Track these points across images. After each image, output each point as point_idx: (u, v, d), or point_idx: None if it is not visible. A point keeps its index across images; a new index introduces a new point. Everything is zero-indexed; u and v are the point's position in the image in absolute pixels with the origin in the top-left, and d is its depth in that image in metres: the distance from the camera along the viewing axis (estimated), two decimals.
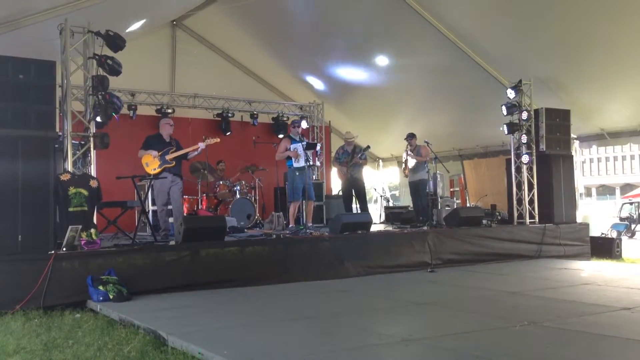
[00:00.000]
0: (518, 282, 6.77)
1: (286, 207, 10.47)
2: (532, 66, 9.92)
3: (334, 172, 13.85)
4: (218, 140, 8.92)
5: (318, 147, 9.20)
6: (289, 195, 8.91)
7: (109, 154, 7.91)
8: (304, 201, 8.91)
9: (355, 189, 10.34)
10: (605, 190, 50.14)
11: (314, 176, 12.29)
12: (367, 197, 11.18)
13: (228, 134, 12.36)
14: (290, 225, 8.95)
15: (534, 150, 9.83)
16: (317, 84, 13.36)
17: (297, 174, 8.65)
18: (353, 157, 10.15)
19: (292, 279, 6.92)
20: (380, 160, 15.59)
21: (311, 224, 9.02)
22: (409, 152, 10.58)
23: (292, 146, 8.70)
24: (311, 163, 8.70)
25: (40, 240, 5.89)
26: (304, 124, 12.68)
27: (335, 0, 10.21)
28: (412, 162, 10.57)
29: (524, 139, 9.77)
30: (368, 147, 10.39)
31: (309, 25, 11.18)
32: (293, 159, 8.64)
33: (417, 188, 10.55)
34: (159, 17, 11.33)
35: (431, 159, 10.38)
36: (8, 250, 5.73)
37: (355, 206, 10.85)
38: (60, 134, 6.57)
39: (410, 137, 10.61)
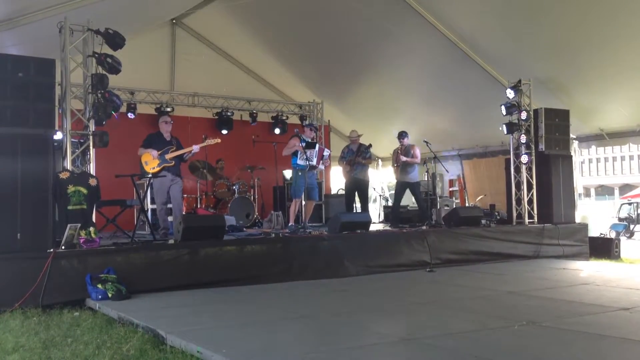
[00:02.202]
0: (517, 282, 6.78)
1: (285, 206, 10.48)
2: (531, 66, 9.92)
3: (333, 171, 13.88)
4: (218, 140, 8.91)
5: (326, 153, 9.16)
6: (292, 193, 8.91)
7: (108, 153, 7.89)
8: (308, 201, 8.93)
9: (358, 188, 10.30)
10: (604, 191, 50.15)
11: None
12: None
13: (224, 131, 12.34)
14: (290, 224, 8.95)
15: (533, 151, 9.83)
16: (317, 82, 13.36)
17: (300, 173, 8.66)
18: (357, 156, 10.12)
19: (292, 278, 6.91)
20: (380, 160, 15.59)
21: (302, 223, 9.02)
22: (401, 157, 9.96)
23: (302, 144, 8.70)
24: (314, 164, 8.68)
25: (39, 239, 5.89)
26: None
27: (336, 0, 10.21)
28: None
29: (523, 139, 9.77)
30: (370, 145, 10.36)
31: (308, 24, 11.18)
32: (298, 157, 8.63)
33: (403, 189, 10.15)
34: (159, 15, 11.31)
35: (430, 159, 10.30)
36: (7, 248, 5.72)
37: (356, 205, 10.84)
38: (60, 132, 6.57)
39: (403, 136, 10.05)
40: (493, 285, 6.52)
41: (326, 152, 9.21)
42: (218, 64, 12.89)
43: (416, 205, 10.54)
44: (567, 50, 9.40)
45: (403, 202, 10.65)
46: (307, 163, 8.57)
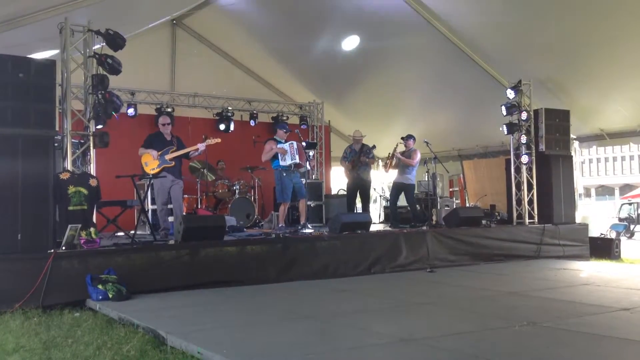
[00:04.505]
0: (517, 283, 6.78)
1: None
2: (531, 66, 9.93)
3: (334, 171, 13.88)
4: (219, 140, 8.89)
5: (311, 154, 9.16)
6: (278, 196, 8.91)
7: (108, 153, 7.90)
8: (300, 200, 8.93)
9: (360, 188, 10.28)
10: (605, 191, 50.19)
11: (313, 176, 12.30)
12: None
13: (223, 128, 12.32)
14: (280, 225, 8.95)
15: (534, 151, 9.84)
16: (317, 83, 13.36)
17: (284, 174, 8.66)
18: (360, 156, 10.10)
19: (292, 278, 6.92)
20: (380, 160, 15.58)
21: (302, 223, 9.01)
22: (397, 153, 9.89)
23: (279, 146, 8.72)
24: (297, 161, 8.64)
25: (39, 239, 5.88)
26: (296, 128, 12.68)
27: (336, 1, 10.21)
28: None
29: (524, 139, 9.77)
30: (374, 146, 10.33)
31: (309, 25, 11.18)
32: (280, 158, 8.63)
33: (398, 191, 10.07)
34: (159, 16, 11.31)
35: (430, 159, 10.27)
36: (7, 248, 5.72)
37: (358, 205, 10.81)
38: (60, 132, 6.57)
39: (408, 138, 9.99)
40: (493, 286, 6.52)
41: (311, 153, 9.21)
42: (218, 64, 12.90)
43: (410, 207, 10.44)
44: (568, 50, 9.41)
45: (403, 202, 10.61)
46: (294, 161, 8.56)
